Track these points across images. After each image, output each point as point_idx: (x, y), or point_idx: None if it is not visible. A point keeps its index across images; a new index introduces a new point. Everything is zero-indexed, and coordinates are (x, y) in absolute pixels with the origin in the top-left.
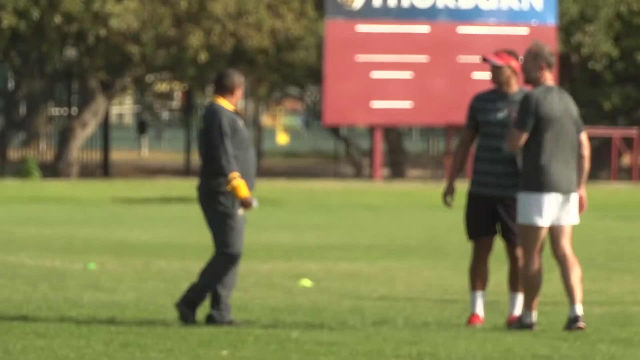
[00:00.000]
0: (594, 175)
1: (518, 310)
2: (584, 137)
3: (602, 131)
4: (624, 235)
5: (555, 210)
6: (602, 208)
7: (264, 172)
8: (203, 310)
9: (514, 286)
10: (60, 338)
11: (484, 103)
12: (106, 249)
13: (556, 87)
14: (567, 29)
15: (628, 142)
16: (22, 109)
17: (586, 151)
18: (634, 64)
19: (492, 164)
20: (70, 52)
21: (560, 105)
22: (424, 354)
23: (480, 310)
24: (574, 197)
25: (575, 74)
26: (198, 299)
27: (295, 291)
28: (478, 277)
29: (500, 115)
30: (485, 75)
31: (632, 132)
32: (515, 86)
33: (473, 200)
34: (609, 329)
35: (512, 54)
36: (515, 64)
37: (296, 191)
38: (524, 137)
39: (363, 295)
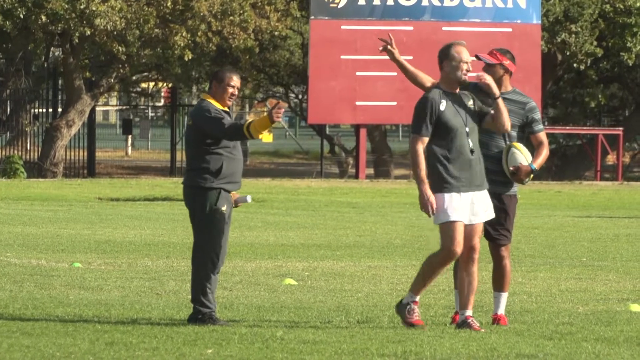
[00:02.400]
0: (578, 175)
1: (502, 310)
2: None
3: (586, 130)
4: (608, 234)
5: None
6: (587, 207)
7: (249, 172)
8: (187, 309)
9: (498, 286)
10: (46, 336)
11: (479, 93)
12: (91, 247)
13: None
14: (552, 28)
15: (612, 141)
16: (8, 108)
17: None
18: (619, 64)
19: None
20: (56, 52)
21: None
22: (409, 352)
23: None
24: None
25: (559, 73)
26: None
27: (280, 290)
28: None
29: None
30: (471, 75)
31: (616, 131)
32: (509, 85)
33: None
34: (593, 328)
35: (505, 53)
36: (508, 63)
37: (281, 190)
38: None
39: (348, 294)
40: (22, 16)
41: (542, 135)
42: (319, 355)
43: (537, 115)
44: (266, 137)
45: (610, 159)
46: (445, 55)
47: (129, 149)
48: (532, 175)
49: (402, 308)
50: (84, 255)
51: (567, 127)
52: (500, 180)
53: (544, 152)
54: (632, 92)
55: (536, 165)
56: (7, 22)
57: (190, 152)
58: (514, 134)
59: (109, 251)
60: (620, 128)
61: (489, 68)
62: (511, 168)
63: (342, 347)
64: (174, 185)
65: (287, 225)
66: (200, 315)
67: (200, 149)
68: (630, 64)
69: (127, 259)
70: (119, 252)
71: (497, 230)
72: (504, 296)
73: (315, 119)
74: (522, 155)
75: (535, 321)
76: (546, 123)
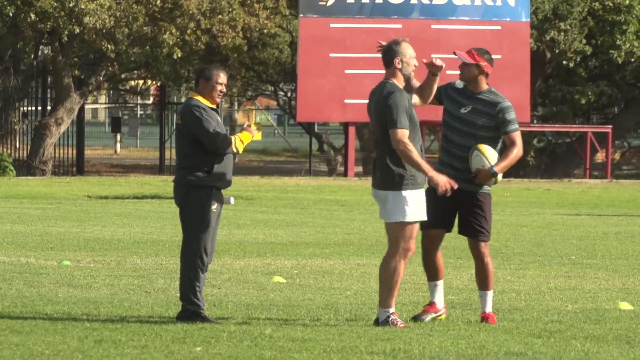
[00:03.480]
0: (568, 172)
1: (489, 307)
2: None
3: (575, 128)
4: (597, 231)
5: (379, 206)
6: (576, 205)
7: (238, 169)
8: (176, 307)
9: (482, 284)
10: (35, 334)
11: (453, 92)
12: (80, 245)
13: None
14: (541, 26)
15: (601, 139)
16: None
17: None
18: (608, 61)
19: (451, 156)
20: (45, 50)
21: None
22: (398, 350)
23: (436, 298)
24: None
25: (548, 71)
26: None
27: (268, 288)
28: (430, 268)
29: (463, 110)
30: (457, 72)
31: (605, 129)
32: (484, 85)
33: (432, 190)
34: (582, 326)
35: (484, 54)
36: (485, 64)
37: (270, 188)
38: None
39: (336, 292)
40: (11, 14)
41: (514, 136)
42: (307, 353)
43: (510, 115)
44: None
45: (600, 156)
46: (397, 53)
47: (118, 147)
48: (495, 179)
49: (385, 323)
50: (73, 253)
51: (556, 125)
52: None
53: (512, 154)
54: (621, 90)
55: (498, 168)
56: None
57: (181, 150)
58: (484, 134)
59: (98, 249)
60: (610, 126)
61: (464, 67)
62: (473, 170)
63: (330, 345)
64: (163, 183)
65: (276, 223)
66: (189, 312)
67: (191, 147)
68: (620, 62)
69: (116, 257)
70: (108, 250)
71: (474, 227)
72: (489, 294)
73: (304, 117)
74: (484, 158)
75: (524, 319)
76: (535, 121)
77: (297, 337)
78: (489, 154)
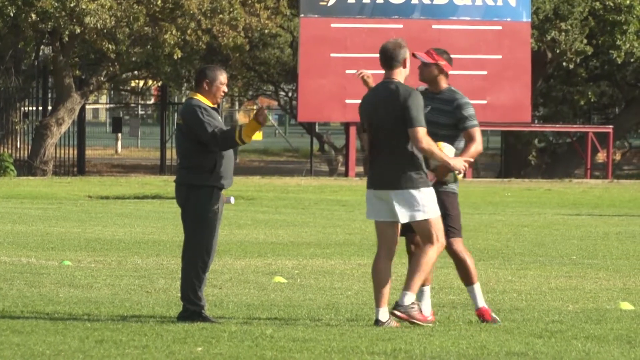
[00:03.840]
0: (568, 173)
1: (481, 301)
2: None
3: (576, 128)
4: (598, 232)
5: (376, 206)
6: (577, 205)
7: (239, 170)
8: (177, 307)
9: (466, 280)
10: (36, 334)
11: None
12: (81, 245)
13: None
14: (542, 26)
15: (602, 139)
16: None
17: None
18: (609, 61)
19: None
20: (46, 50)
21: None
22: (399, 350)
23: (423, 305)
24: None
25: (549, 71)
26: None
27: (269, 288)
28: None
29: (424, 111)
30: (457, 72)
31: (606, 129)
32: (444, 85)
33: None
34: (583, 326)
35: (442, 53)
36: (444, 63)
37: (270, 188)
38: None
39: (337, 292)
40: (12, 14)
41: (473, 132)
42: (308, 353)
43: (468, 111)
44: (256, 135)
45: (601, 157)
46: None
47: (119, 147)
48: (454, 175)
49: (408, 309)
50: (74, 253)
51: (557, 125)
52: None
53: (471, 150)
54: (621, 90)
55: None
56: None
57: (183, 150)
58: (445, 132)
59: (99, 249)
60: (610, 126)
61: (424, 67)
62: (432, 167)
63: (331, 345)
64: (164, 183)
65: (277, 223)
66: (190, 312)
67: (192, 146)
68: (620, 62)
69: (117, 257)
70: (109, 250)
71: (449, 225)
72: (476, 287)
73: (305, 117)
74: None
75: (525, 319)
76: (536, 121)
77: (298, 337)
78: (446, 150)
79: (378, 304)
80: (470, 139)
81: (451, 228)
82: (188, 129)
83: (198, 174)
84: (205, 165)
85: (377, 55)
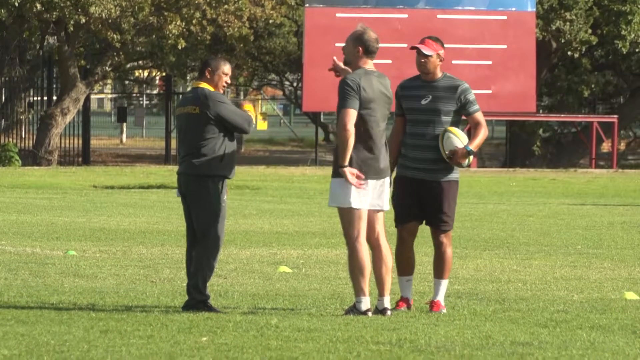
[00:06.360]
0: (573, 162)
1: (441, 297)
2: None
3: (581, 118)
4: (603, 221)
5: (370, 195)
6: (582, 194)
7: (244, 159)
8: (182, 297)
9: (438, 272)
10: (41, 324)
11: (409, 90)
12: (86, 235)
13: (376, 71)
14: (546, 16)
15: (607, 129)
16: (2, 96)
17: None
18: (613, 51)
19: (418, 150)
20: (51, 40)
21: (377, 88)
22: (404, 340)
23: (408, 294)
24: (387, 183)
25: (554, 61)
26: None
27: (274, 278)
28: (403, 263)
29: (424, 102)
30: (462, 61)
31: (611, 118)
32: (439, 72)
33: (400, 185)
34: (588, 316)
35: (438, 41)
36: (442, 51)
37: (275, 178)
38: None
39: (342, 282)
40: (17, 4)
41: (478, 116)
42: (313, 343)
43: (471, 96)
44: (260, 124)
45: (605, 146)
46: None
47: (124, 136)
48: (471, 157)
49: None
50: (79, 243)
51: (562, 115)
52: (439, 167)
53: (481, 133)
54: (626, 80)
55: (472, 146)
56: (2, 10)
57: (191, 139)
58: (448, 119)
59: (104, 239)
60: (615, 116)
61: (426, 58)
62: (447, 152)
63: (336, 334)
64: (169, 173)
65: (282, 213)
66: (195, 302)
67: (204, 136)
68: (625, 52)
69: (121, 247)
70: (114, 240)
71: (437, 217)
72: (444, 283)
73: (310, 107)
74: (457, 139)
75: (530, 309)
76: (541, 111)
77: (303, 327)
78: (460, 134)
79: (381, 293)
80: (478, 124)
81: (445, 219)
82: (205, 117)
83: (208, 163)
84: (214, 155)
85: (383, 45)
